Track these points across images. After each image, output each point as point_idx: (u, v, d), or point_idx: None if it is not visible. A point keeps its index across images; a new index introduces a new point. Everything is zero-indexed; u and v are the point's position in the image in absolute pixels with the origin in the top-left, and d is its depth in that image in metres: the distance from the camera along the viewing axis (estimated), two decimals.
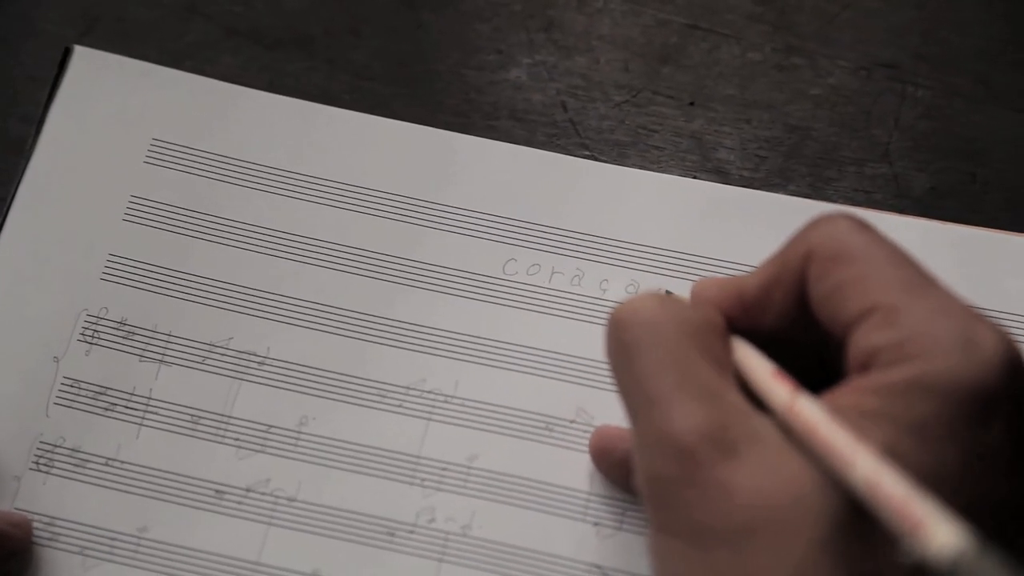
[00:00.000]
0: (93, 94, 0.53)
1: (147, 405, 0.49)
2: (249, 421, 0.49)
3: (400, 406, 0.49)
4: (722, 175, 0.53)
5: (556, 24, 0.56)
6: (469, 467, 0.48)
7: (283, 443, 0.48)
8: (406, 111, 0.54)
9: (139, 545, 0.47)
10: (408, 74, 0.55)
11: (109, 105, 0.53)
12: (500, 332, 0.50)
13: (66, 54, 0.53)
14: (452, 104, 0.54)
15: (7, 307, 0.50)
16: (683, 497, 0.35)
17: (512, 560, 0.46)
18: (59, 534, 0.47)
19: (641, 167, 0.53)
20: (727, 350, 0.39)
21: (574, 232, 0.51)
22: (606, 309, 0.49)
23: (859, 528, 0.34)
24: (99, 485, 0.48)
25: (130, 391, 0.49)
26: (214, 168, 0.52)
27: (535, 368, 0.49)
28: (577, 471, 0.47)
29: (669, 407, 0.36)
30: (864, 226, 0.38)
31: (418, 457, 0.48)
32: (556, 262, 0.51)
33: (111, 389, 0.49)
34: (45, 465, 0.48)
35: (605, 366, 0.48)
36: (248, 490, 0.48)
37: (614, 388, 0.39)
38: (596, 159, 0.53)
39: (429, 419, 0.48)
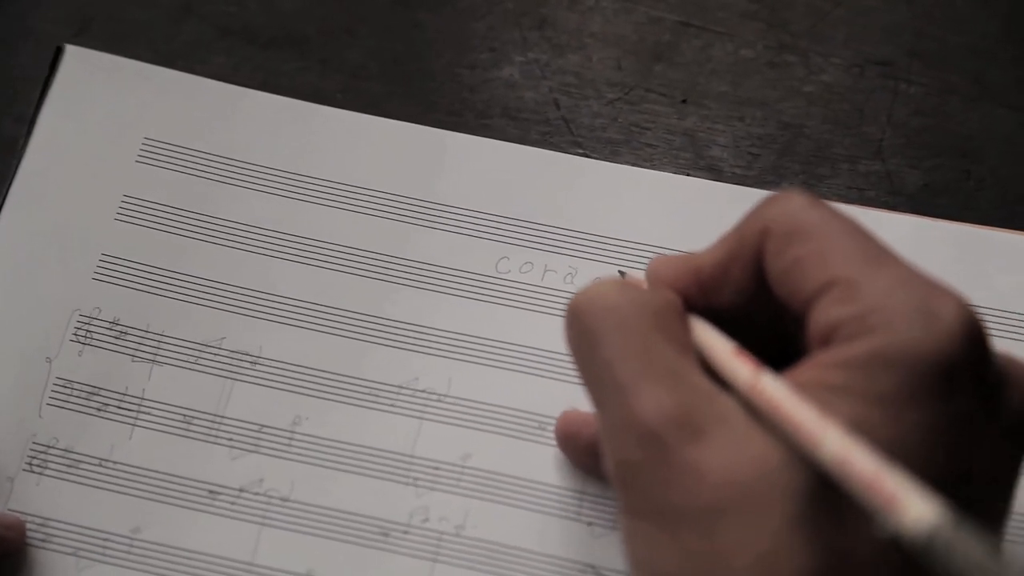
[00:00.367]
0: (85, 93, 0.53)
1: (140, 405, 0.49)
2: (242, 421, 0.49)
3: (393, 405, 0.49)
4: (715, 173, 0.53)
5: (549, 22, 0.56)
6: (463, 466, 0.48)
7: (276, 443, 0.48)
8: (399, 110, 0.54)
9: (132, 546, 0.47)
10: (401, 73, 0.55)
11: (101, 104, 0.53)
12: (493, 331, 0.50)
13: (58, 53, 0.53)
14: (445, 103, 0.54)
15: None
16: (652, 480, 0.35)
17: (506, 560, 0.46)
18: (52, 535, 0.47)
19: (634, 165, 0.53)
20: (687, 331, 0.39)
21: (567, 230, 0.51)
22: None
23: (830, 504, 0.33)
24: (92, 486, 0.48)
25: (123, 391, 0.49)
26: (207, 168, 0.52)
27: (528, 367, 0.49)
28: (570, 471, 0.47)
29: (634, 392, 0.36)
30: (819, 202, 0.38)
31: (411, 457, 0.48)
32: (549, 260, 0.51)
33: (104, 389, 0.49)
34: (38, 466, 0.48)
35: None
36: (241, 490, 0.48)
37: (577, 376, 0.39)
38: (589, 157, 0.53)
39: (422, 418, 0.48)
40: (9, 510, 0.47)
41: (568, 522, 0.47)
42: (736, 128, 0.54)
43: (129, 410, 0.49)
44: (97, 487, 0.48)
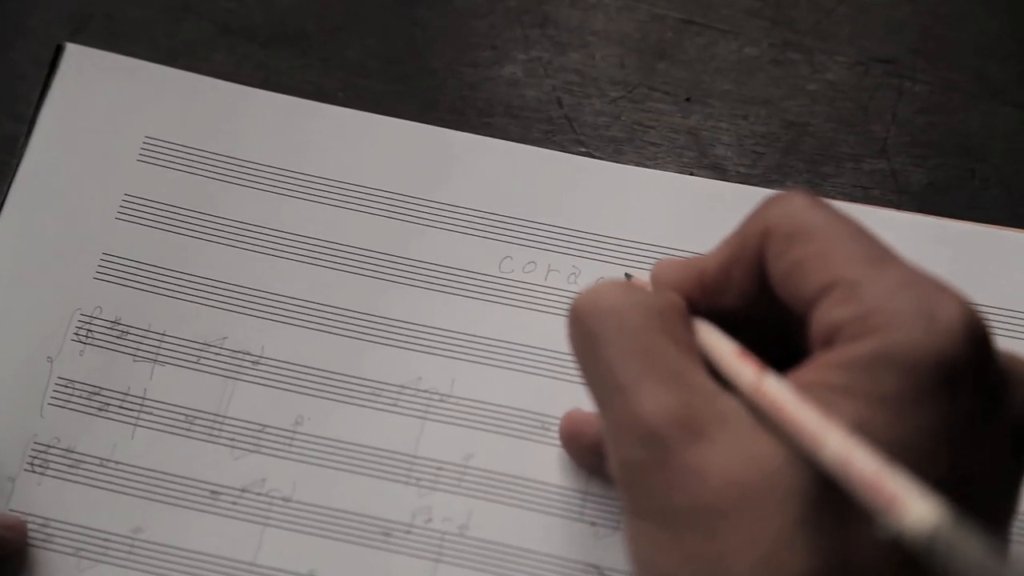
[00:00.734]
0: (85, 92, 0.53)
1: (141, 405, 0.49)
2: (244, 421, 0.48)
3: (395, 405, 0.48)
4: (719, 171, 0.53)
5: (551, 20, 0.56)
6: (465, 466, 0.47)
7: (278, 443, 0.48)
8: (401, 108, 0.54)
9: (134, 546, 0.47)
10: (403, 71, 0.55)
11: (102, 103, 0.53)
12: (496, 330, 0.49)
13: (58, 52, 0.53)
14: (447, 101, 0.54)
15: (0, 307, 0.50)
16: (654, 481, 0.35)
17: (509, 560, 0.46)
18: (54, 535, 0.47)
19: (637, 164, 0.53)
20: (691, 332, 0.39)
21: (570, 229, 0.51)
22: None
23: (832, 505, 0.33)
24: (94, 486, 0.48)
25: (124, 391, 0.49)
26: (208, 166, 0.52)
27: (531, 366, 0.49)
28: (574, 471, 0.47)
29: (637, 393, 0.36)
30: (820, 202, 0.38)
31: (414, 456, 0.48)
32: (552, 260, 0.51)
33: (105, 389, 0.49)
34: (40, 466, 0.48)
35: None
36: (243, 490, 0.47)
37: (580, 377, 0.39)
38: (592, 156, 0.53)
39: (425, 418, 0.48)
40: (10, 510, 0.47)
41: (572, 522, 0.47)
42: (740, 127, 0.54)
43: (131, 410, 0.49)
44: (99, 487, 0.48)
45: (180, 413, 0.49)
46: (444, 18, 0.56)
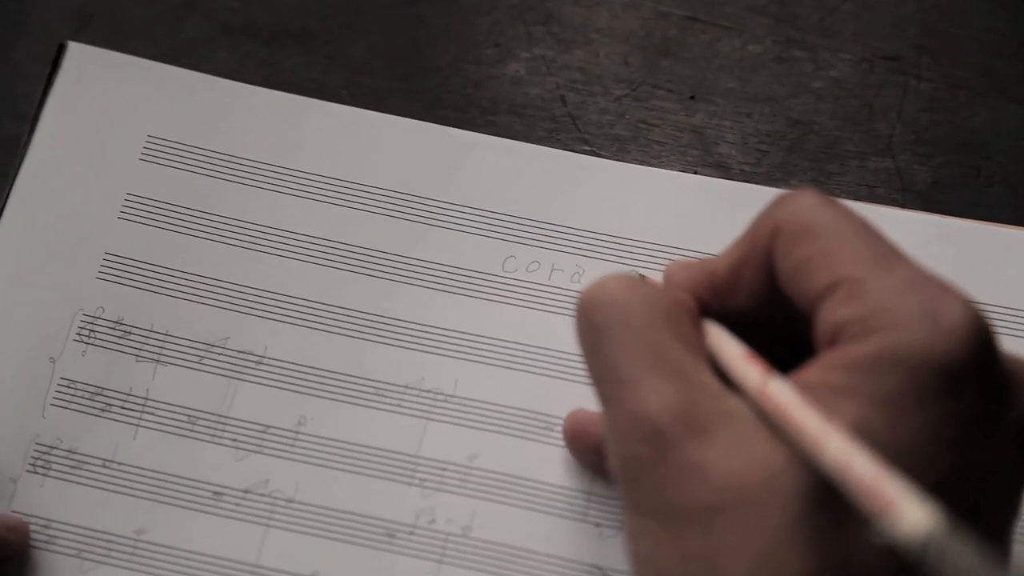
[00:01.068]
0: (88, 91, 0.53)
1: (144, 405, 0.49)
2: (247, 421, 0.48)
3: (399, 405, 0.48)
4: (723, 170, 0.53)
5: (555, 17, 0.55)
6: (469, 467, 0.47)
7: (281, 443, 0.48)
8: (404, 106, 0.54)
9: (137, 547, 0.47)
10: (406, 69, 0.55)
11: (104, 102, 0.53)
12: (499, 330, 0.49)
13: (60, 51, 0.53)
14: (450, 99, 0.54)
15: (2, 307, 0.50)
16: (654, 477, 0.35)
17: (513, 561, 0.46)
18: (56, 537, 0.47)
19: (642, 162, 0.53)
20: (699, 332, 0.39)
21: (574, 228, 0.51)
22: None
23: (831, 509, 0.33)
24: (96, 487, 0.48)
25: (127, 391, 0.49)
26: (211, 165, 0.52)
27: (535, 366, 0.49)
28: (578, 471, 0.47)
29: (640, 388, 0.36)
30: (830, 200, 0.38)
31: (417, 457, 0.48)
32: (556, 259, 0.50)
33: (108, 389, 0.49)
34: (42, 467, 0.48)
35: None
36: (246, 491, 0.47)
37: (585, 370, 0.39)
38: (596, 154, 0.53)
39: (428, 418, 0.48)
40: (12, 511, 0.47)
41: (576, 523, 0.46)
42: (744, 125, 0.53)
43: (133, 410, 0.49)
44: (101, 488, 0.48)
45: (183, 413, 0.48)
46: (447, 16, 0.56)
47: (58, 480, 0.48)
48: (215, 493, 0.47)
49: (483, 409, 0.48)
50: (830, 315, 0.36)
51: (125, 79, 0.53)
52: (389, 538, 0.47)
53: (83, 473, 0.48)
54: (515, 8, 0.56)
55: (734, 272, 0.39)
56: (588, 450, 0.46)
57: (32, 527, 0.47)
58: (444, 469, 0.47)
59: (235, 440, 0.48)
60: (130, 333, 0.50)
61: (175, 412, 0.48)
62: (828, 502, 0.33)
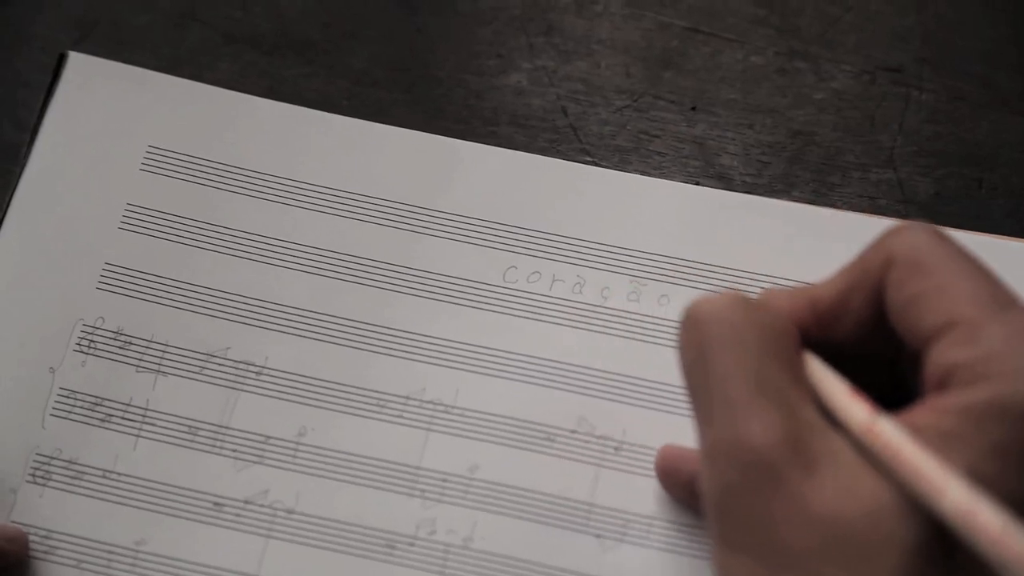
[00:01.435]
0: (88, 101, 0.53)
1: (144, 416, 0.48)
2: (247, 432, 0.48)
3: (400, 416, 0.48)
4: (725, 181, 0.53)
5: (556, 28, 0.55)
6: (470, 478, 0.47)
7: (282, 454, 0.48)
8: (405, 117, 0.53)
9: (137, 558, 0.47)
10: (407, 80, 0.55)
11: (104, 112, 0.52)
12: (501, 341, 0.49)
13: (61, 60, 0.53)
14: (452, 110, 0.54)
15: (2, 317, 0.50)
16: (755, 511, 0.34)
17: (514, 573, 0.46)
18: (55, 547, 0.47)
19: (643, 173, 0.52)
20: (801, 362, 0.38)
21: (575, 239, 0.51)
22: (607, 317, 0.49)
23: (939, 553, 0.33)
24: (96, 498, 0.47)
25: (127, 402, 0.49)
26: (211, 176, 0.52)
27: (536, 377, 0.48)
28: (579, 482, 0.47)
29: (747, 413, 0.35)
30: (945, 237, 0.37)
31: (418, 468, 0.47)
32: (557, 270, 0.50)
33: (108, 400, 0.49)
34: (42, 478, 0.48)
35: (606, 375, 0.48)
36: (247, 502, 0.47)
37: (683, 384, 0.38)
38: (597, 165, 0.53)
39: (429, 429, 0.48)
40: (12, 522, 0.47)
41: (577, 535, 0.46)
42: (746, 136, 0.53)
43: (133, 421, 0.48)
44: (101, 499, 0.47)
45: (183, 424, 0.48)
46: (449, 26, 0.56)
47: (58, 490, 0.47)
48: (215, 504, 0.47)
49: (484, 420, 0.48)
50: (942, 357, 0.35)
51: (126, 89, 0.53)
52: (390, 549, 0.46)
53: (83, 483, 0.48)
54: (517, 19, 0.56)
55: (840, 300, 0.39)
56: (682, 486, 0.45)
57: (32, 537, 0.47)
58: (445, 480, 0.47)
59: (235, 451, 0.48)
60: (130, 343, 0.49)
61: (175, 422, 0.48)
62: (937, 547, 0.33)
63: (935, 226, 0.38)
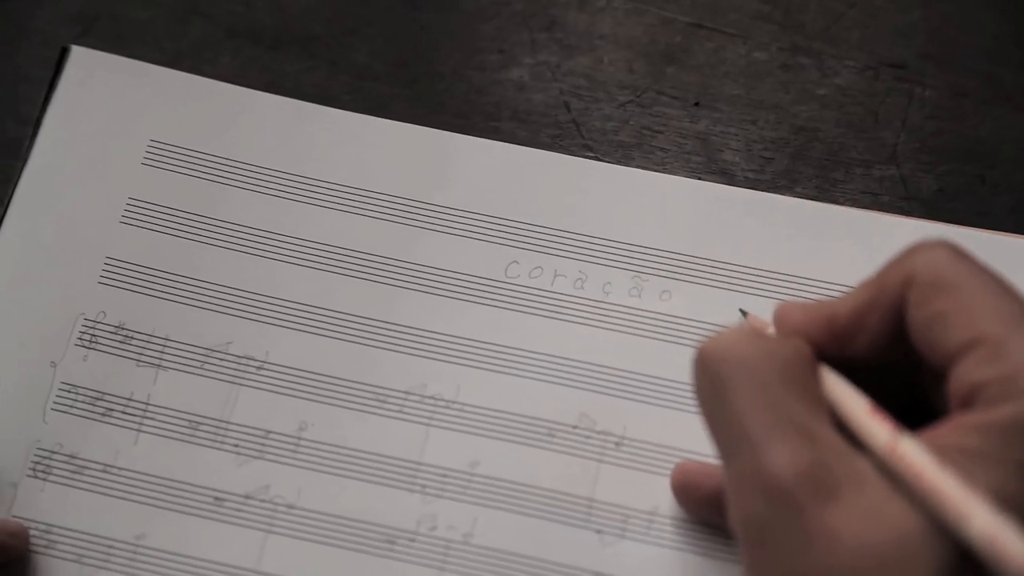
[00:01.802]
0: (90, 95, 0.53)
1: (145, 410, 0.48)
2: (248, 427, 0.48)
3: (401, 411, 0.48)
4: (727, 177, 0.52)
5: (558, 23, 0.55)
6: (471, 474, 0.47)
7: (282, 449, 0.48)
8: (407, 112, 0.53)
9: (137, 553, 0.47)
10: (409, 75, 0.55)
11: (106, 106, 0.52)
12: (502, 336, 0.49)
13: (63, 54, 0.53)
14: (454, 105, 0.54)
15: (3, 311, 0.50)
16: (781, 540, 0.34)
17: (514, 568, 0.46)
18: (56, 541, 0.47)
19: (645, 168, 0.52)
20: (818, 383, 0.38)
21: (577, 234, 0.51)
22: (609, 312, 0.49)
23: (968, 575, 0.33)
24: (97, 492, 0.47)
25: (128, 396, 0.49)
26: (213, 170, 0.52)
27: (537, 373, 0.48)
28: (580, 477, 0.47)
29: (766, 447, 0.35)
30: (964, 255, 0.37)
31: (419, 463, 0.47)
32: (559, 265, 0.50)
33: (109, 394, 0.49)
34: (43, 472, 0.48)
35: (607, 371, 0.48)
36: (247, 497, 0.47)
37: (703, 424, 0.38)
38: (600, 160, 0.53)
39: (430, 425, 0.48)
40: (13, 516, 0.47)
41: (577, 530, 0.46)
42: (749, 131, 0.53)
43: (134, 415, 0.48)
44: (102, 493, 0.47)
45: (184, 419, 0.48)
46: (451, 22, 0.56)
47: (59, 485, 0.47)
48: (216, 499, 0.47)
49: (485, 415, 0.48)
50: (967, 375, 0.35)
51: (128, 83, 0.53)
52: (390, 545, 0.46)
53: (84, 478, 0.48)
54: (519, 14, 0.55)
55: (858, 317, 0.39)
56: (701, 502, 0.45)
57: (32, 532, 0.47)
58: (446, 475, 0.47)
59: (236, 445, 0.48)
60: (131, 338, 0.49)
61: (176, 417, 0.48)
62: (969, 571, 0.33)
63: (953, 243, 0.38)
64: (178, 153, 0.52)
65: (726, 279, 0.50)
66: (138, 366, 0.49)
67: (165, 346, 0.49)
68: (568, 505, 0.47)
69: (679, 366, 0.47)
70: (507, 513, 0.47)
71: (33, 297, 0.50)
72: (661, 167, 0.53)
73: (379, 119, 0.53)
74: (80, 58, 0.53)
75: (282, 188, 0.51)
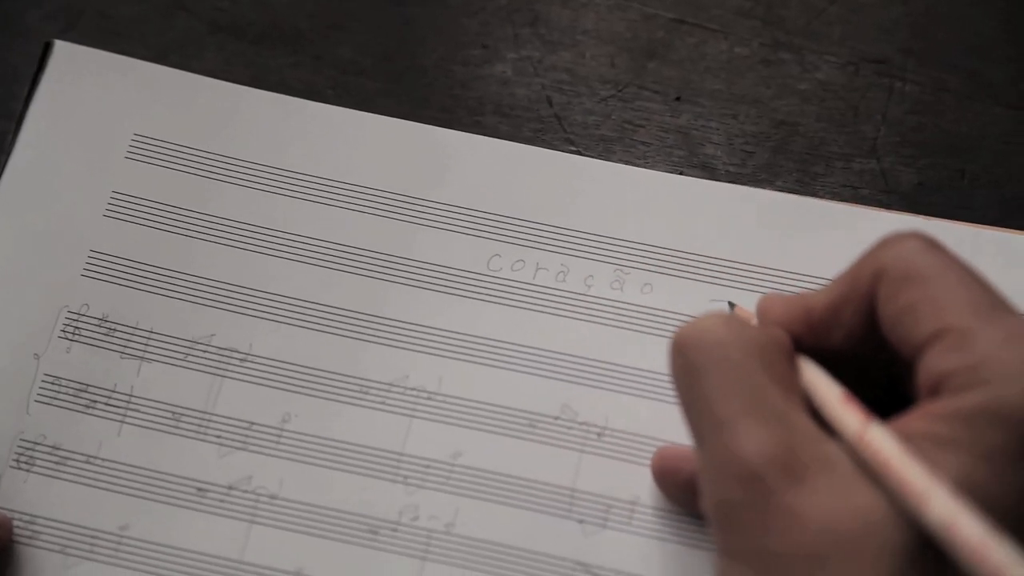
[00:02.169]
0: (74, 89, 0.53)
1: (128, 402, 0.49)
2: (231, 418, 0.48)
3: (383, 403, 0.48)
4: (709, 171, 0.53)
5: (541, 19, 0.55)
6: (452, 464, 0.47)
7: (265, 440, 0.48)
8: (391, 106, 0.54)
9: (120, 543, 0.47)
10: (393, 69, 0.55)
11: (90, 100, 0.53)
12: (484, 328, 0.49)
13: (46, 49, 0.53)
14: (437, 99, 0.54)
15: None
16: (751, 522, 0.35)
17: (496, 558, 0.46)
18: (40, 532, 0.47)
19: (627, 162, 0.53)
20: (794, 371, 0.38)
21: (559, 228, 0.51)
22: (591, 305, 0.49)
23: (930, 562, 0.33)
24: (80, 483, 0.48)
25: (111, 388, 0.49)
26: (197, 164, 0.52)
27: (519, 365, 0.49)
28: (561, 468, 0.47)
29: (736, 430, 0.35)
30: (935, 246, 0.38)
31: (401, 454, 0.48)
32: (541, 258, 0.50)
33: (92, 386, 0.49)
34: (26, 463, 0.48)
35: (589, 363, 0.48)
36: (230, 488, 0.47)
37: (679, 409, 0.38)
38: (582, 154, 0.53)
39: (412, 416, 0.48)
40: None
41: (559, 520, 0.46)
42: (730, 126, 0.54)
43: (117, 407, 0.48)
44: (85, 484, 0.48)
45: (167, 410, 0.48)
46: (435, 16, 0.56)
47: (42, 476, 0.48)
48: (199, 489, 0.47)
49: (467, 407, 0.48)
50: (934, 364, 0.35)
51: (112, 78, 0.53)
52: (372, 535, 0.47)
53: (67, 469, 0.48)
54: (502, 9, 0.56)
55: (833, 310, 0.39)
56: (679, 487, 0.45)
57: (16, 522, 0.47)
58: (428, 466, 0.47)
59: (219, 437, 0.48)
60: (115, 330, 0.50)
61: (159, 409, 0.48)
62: (928, 557, 0.33)
63: (924, 234, 0.38)
64: (162, 147, 0.52)
65: (707, 272, 0.50)
66: (122, 358, 0.49)
67: (149, 338, 0.49)
68: (550, 495, 0.47)
69: (660, 358, 0.47)
70: (489, 503, 0.47)
71: (16, 289, 0.50)
72: (643, 161, 0.53)
73: (363, 113, 0.53)
74: (63, 53, 0.53)
75: (265, 182, 0.52)
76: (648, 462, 0.47)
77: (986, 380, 0.34)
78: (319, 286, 0.50)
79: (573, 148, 0.53)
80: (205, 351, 0.49)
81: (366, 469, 0.47)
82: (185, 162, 0.52)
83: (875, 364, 0.39)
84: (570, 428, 0.48)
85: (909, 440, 0.34)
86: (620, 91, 0.54)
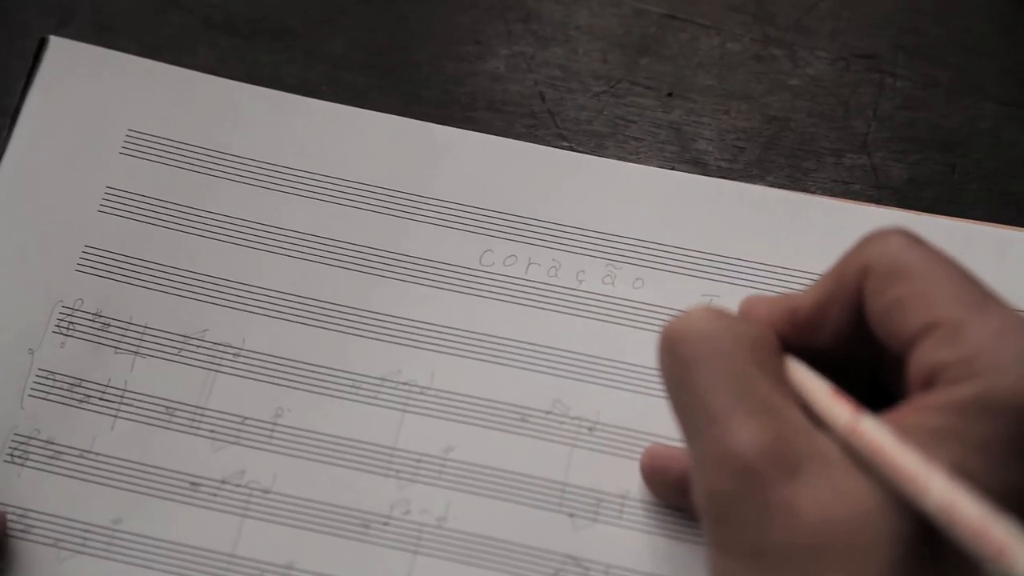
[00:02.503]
0: (68, 85, 0.53)
1: (122, 397, 0.49)
2: (224, 413, 0.48)
3: (375, 397, 0.49)
4: (700, 166, 0.53)
5: (534, 15, 0.56)
6: (444, 459, 0.48)
7: (258, 435, 0.48)
8: (384, 102, 0.54)
9: (113, 537, 0.47)
10: (386, 65, 0.55)
11: (85, 96, 0.53)
12: (476, 323, 0.49)
13: (41, 45, 0.53)
14: (430, 95, 0.54)
15: None
16: (744, 516, 0.35)
17: (487, 552, 0.46)
18: (33, 526, 0.47)
19: (619, 158, 0.53)
20: (782, 366, 0.38)
21: (551, 223, 0.51)
22: (583, 300, 0.49)
23: (928, 549, 0.33)
24: (73, 477, 0.48)
25: (105, 383, 0.49)
26: (191, 159, 0.52)
27: (511, 359, 0.49)
28: (553, 462, 0.47)
29: (729, 423, 0.35)
30: (919, 241, 0.38)
31: (393, 449, 0.48)
32: (533, 253, 0.51)
33: (86, 381, 0.49)
34: (19, 457, 0.48)
35: (581, 357, 0.48)
36: (223, 482, 0.48)
37: (668, 403, 0.39)
38: (574, 150, 0.53)
39: (404, 410, 0.48)
40: None
41: (550, 514, 0.47)
42: (722, 121, 0.54)
43: (111, 401, 0.49)
44: (78, 478, 0.48)
45: (160, 405, 0.49)
46: (428, 12, 0.56)
47: (36, 470, 0.48)
48: (192, 484, 0.48)
49: (459, 401, 0.48)
50: (926, 357, 0.35)
51: (106, 74, 0.53)
52: (364, 528, 0.47)
53: (61, 463, 0.48)
54: (495, 5, 0.56)
55: (819, 309, 0.39)
56: (669, 486, 0.45)
57: (9, 516, 0.47)
58: (420, 460, 0.48)
59: (212, 431, 0.48)
60: (109, 325, 0.50)
61: (153, 403, 0.49)
62: (926, 544, 0.33)
63: (907, 229, 0.38)
64: (156, 142, 0.52)
65: (698, 267, 0.50)
66: (115, 353, 0.49)
67: (142, 333, 0.50)
68: (541, 489, 0.47)
69: (652, 353, 0.47)
70: (480, 497, 0.47)
71: (11, 284, 0.50)
72: (635, 156, 0.53)
73: (356, 109, 0.53)
74: (58, 48, 0.53)
75: (259, 177, 0.52)
76: (639, 456, 0.47)
77: (980, 371, 0.34)
78: (312, 281, 0.50)
79: (566, 144, 0.53)
80: (198, 346, 0.49)
81: (358, 463, 0.48)
82: (179, 158, 0.52)
83: (858, 364, 0.39)
84: (561, 422, 0.48)
85: (902, 431, 0.34)
86: (612, 87, 0.54)
